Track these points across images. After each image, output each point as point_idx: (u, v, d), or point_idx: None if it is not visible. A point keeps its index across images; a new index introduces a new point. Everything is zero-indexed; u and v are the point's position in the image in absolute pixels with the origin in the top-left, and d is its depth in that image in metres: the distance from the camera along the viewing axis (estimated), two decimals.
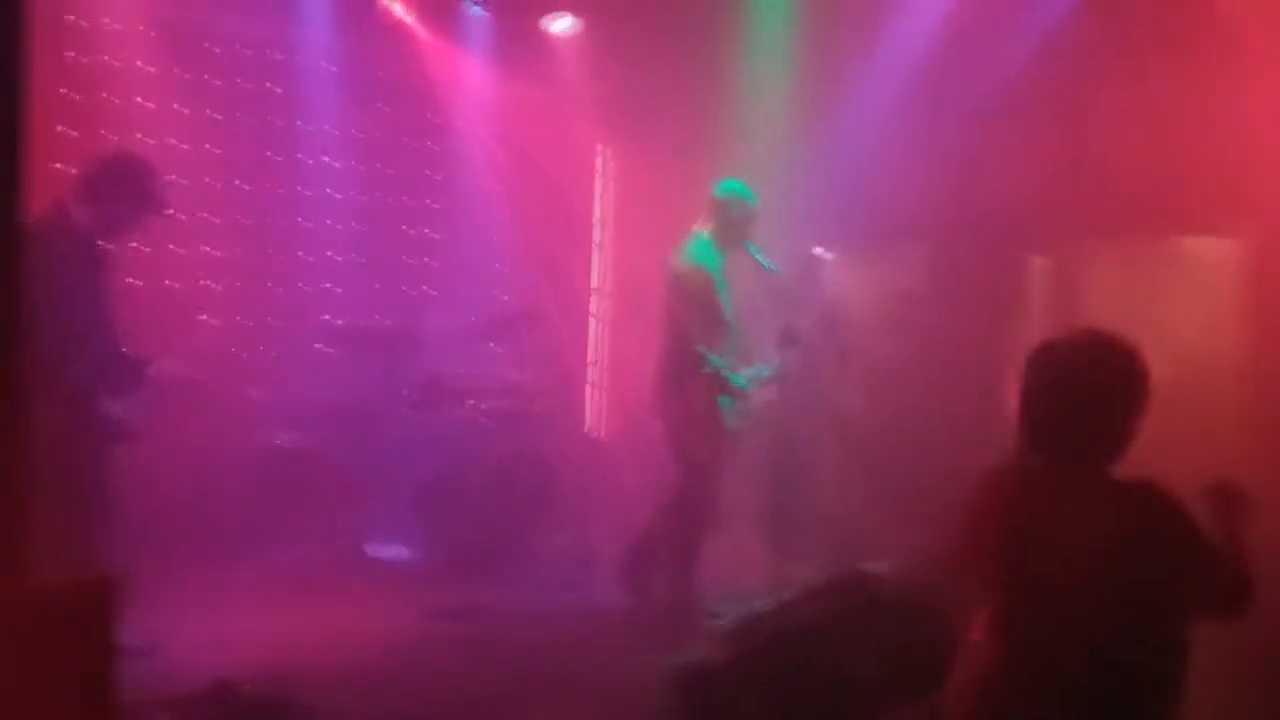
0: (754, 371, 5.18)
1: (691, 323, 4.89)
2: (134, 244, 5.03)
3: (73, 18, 5.69)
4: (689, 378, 4.91)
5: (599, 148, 8.15)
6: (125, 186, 4.22)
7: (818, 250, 6.52)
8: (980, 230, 6.24)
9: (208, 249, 6.24)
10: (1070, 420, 2.24)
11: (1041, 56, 5.72)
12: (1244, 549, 2.19)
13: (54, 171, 4.85)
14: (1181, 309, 5.13)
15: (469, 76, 7.24)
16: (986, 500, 2.33)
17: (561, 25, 7.24)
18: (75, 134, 5.48)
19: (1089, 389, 2.22)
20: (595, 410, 8.14)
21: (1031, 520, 2.23)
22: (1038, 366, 2.29)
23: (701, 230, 5.03)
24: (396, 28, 6.95)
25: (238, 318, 6.37)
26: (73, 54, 5.67)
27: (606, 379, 8.12)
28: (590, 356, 8.14)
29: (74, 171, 4.35)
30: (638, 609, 5.10)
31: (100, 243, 4.22)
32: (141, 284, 5.74)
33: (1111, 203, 5.64)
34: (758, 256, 4.94)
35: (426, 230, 7.41)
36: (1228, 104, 5.00)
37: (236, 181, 6.41)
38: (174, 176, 4.94)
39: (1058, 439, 2.25)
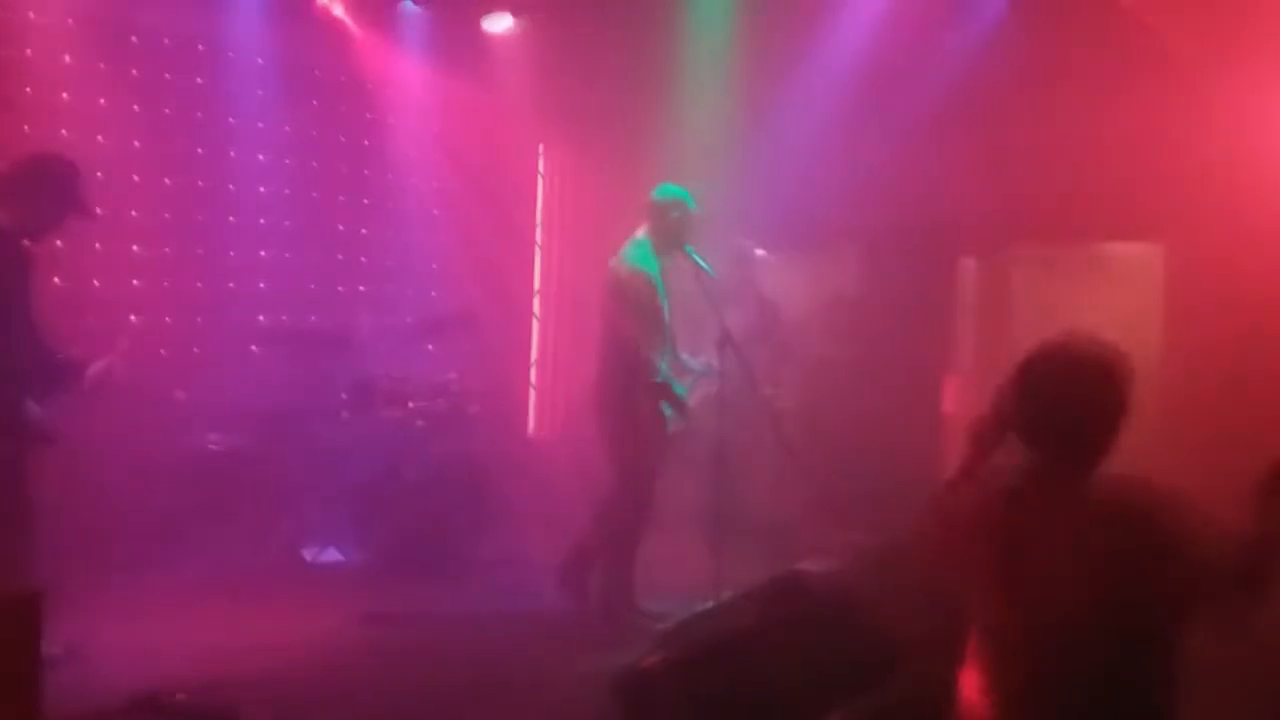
0: (693, 370, 5.22)
1: (632, 326, 4.90)
2: (60, 243, 4.89)
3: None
4: (629, 381, 4.92)
5: (540, 148, 8.11)
6: (49, 185, 4.10)
7: (758, 252, 6.58)
8: (915, 233, 6.35)
9: (138, 248, 6.08)
10: (1069, 429, 2.24)
11: (973, 64, 5.84)
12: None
13: None
14: (1106, 311, 5.28)
15: (407, 74, 7.15)
16: (975, 514, 2.32)
17: (502, 25, 7.19)
18: None
19: (1087, 399, 2.23)
20: (536, 412, 8.10)
21: (1026, 531, 2.24)
22: (1032, 376, 2.28)
23: (641, 234, 5.04)
24: (333, 23, 6.84)
25: (167, 318, 6.21)
26: None
27: (548, 381, 8.09)
28: (532, 358, 8.10)
29: None
30: (577, 613, 5.09)
31: (25, 242, 4.09)
32: (68, 285, 5.59)
33: (1041, 208, 5.79)
34: (696, 259, 4.95)
35: (363, 229, 7.31)
36: (1154, 113, 5.16)
37: (167, 179, 6.24)
38: (100, 174, 4.81)
39: (1055, 449, 2.26)
